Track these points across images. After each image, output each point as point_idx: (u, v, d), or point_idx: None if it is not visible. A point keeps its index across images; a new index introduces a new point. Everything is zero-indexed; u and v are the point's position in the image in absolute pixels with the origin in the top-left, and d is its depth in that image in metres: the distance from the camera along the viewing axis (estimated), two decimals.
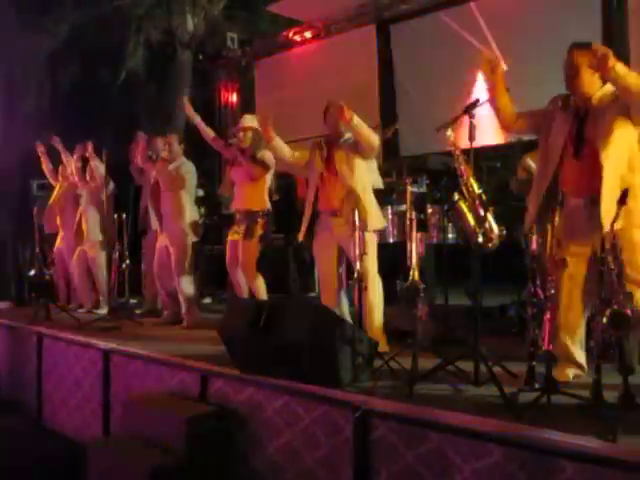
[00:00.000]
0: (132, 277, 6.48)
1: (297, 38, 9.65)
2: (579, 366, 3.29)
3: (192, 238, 5.48)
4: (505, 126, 3.46)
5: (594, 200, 3.08)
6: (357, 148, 4.02)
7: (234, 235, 5.04)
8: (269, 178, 5.08)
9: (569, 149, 3.19)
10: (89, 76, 10.56)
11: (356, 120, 3.88)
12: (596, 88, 3.17)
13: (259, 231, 4.93)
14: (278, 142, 4.25)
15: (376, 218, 4.06)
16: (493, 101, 3.38)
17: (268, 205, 5.06)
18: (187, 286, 5.37)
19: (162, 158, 5.52)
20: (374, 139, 3.96)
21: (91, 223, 6.41)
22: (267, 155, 4.94)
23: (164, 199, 5.49)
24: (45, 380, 4.97)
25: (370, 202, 4.05)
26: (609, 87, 3.12)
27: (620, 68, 2.87)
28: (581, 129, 3.18)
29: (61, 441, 4.59)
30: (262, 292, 4.97)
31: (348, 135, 4.07)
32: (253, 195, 4.99)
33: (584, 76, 3.14)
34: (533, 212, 3.26)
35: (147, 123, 10.50)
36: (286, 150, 4.28)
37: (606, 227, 2.81)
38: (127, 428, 3.66)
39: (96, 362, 4.41)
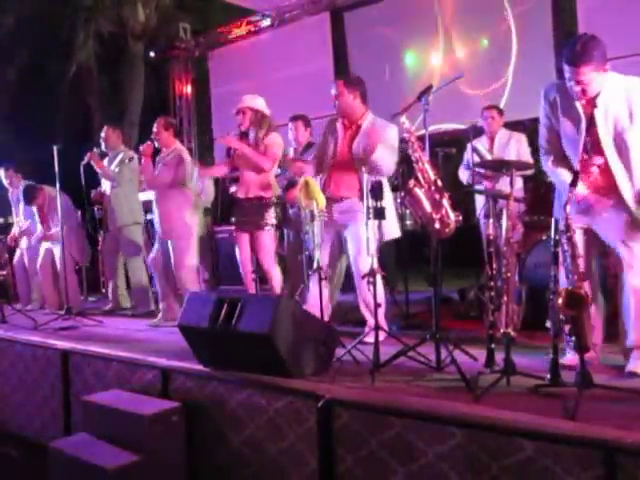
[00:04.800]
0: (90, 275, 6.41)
1: (251, 28, 9.58)
2: None
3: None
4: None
5: None
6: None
7: (243, 226, 4.70)
8: (275, 167, 4.75)
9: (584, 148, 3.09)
10: (38, 69, 10.29)
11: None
12: (601, 85, 2.97)
13: (275, 218, 4.65)
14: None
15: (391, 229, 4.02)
16: None
17: (278, 191, 4.78)
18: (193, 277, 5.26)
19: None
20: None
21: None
22: (274, 138, 4.62)
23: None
24: (2, 383, 4.86)
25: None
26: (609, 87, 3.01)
27: None
28: (591, 130, 3.04)
29: (21, 443, 4.49)
30: (278, 287, 4.72)
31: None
32: (259, 182, 4.64)
33: (594, 87, 2.94)
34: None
35: (100, 116, 10.31)
36: None
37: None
38: (89, 428, 3.60)
39: (55, 363, 4.33)
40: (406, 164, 4.35)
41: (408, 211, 4.46)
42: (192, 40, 10.48)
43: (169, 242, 5.19)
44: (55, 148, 5.57)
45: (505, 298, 2.95)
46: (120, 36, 10.93)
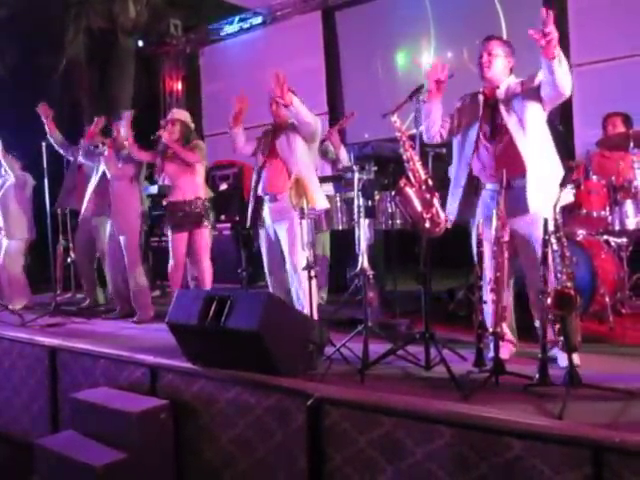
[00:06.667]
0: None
1: (242, 25, 9.56)
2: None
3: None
4: (430, 130, 3.52)
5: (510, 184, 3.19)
6: (299, 131, 4.05)
7: (182, 226, 4.96)
8: (203, 170, 5.11)
9: (483, 137, 3.34)
10: (28, 63, 10.19)
11: (295, 101, 3.94)
12: (505, 76, 3.35)
13: (209, 218, 4.98)
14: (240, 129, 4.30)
15: (319, 199, 4.07)
16: (429, 106, 3.46)
17: (210, 193, 5.13)
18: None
19: None
20: (311, 120, 3.99)
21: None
22: (199, 143, 5.05)
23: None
24: None
25: (312, 183, 4.05)
26: (513, 77, 3.35)
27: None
28: (494, 116, 3.31)
29: (7, 441, 4.46)
30: (209, 282, 4.95)
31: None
32: (193, 184, 4.97)
33: (498, 65, 3.32)
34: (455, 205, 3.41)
35: (89, 113, 10.23)
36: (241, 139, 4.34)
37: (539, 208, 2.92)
38: (76, 426, 3.57)
39: (42, 360, 4.29)
40: (397, 163, 4.35)
41: (398, 210, 4.45)
42: (183, 37, 10.44)
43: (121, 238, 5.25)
44: (44, 144, 5.54)
45: (494, 298, 2.95)
46: (110, 32, 10.83)
